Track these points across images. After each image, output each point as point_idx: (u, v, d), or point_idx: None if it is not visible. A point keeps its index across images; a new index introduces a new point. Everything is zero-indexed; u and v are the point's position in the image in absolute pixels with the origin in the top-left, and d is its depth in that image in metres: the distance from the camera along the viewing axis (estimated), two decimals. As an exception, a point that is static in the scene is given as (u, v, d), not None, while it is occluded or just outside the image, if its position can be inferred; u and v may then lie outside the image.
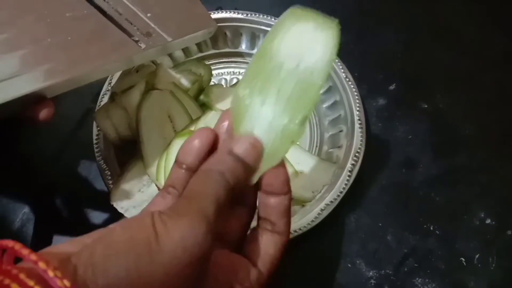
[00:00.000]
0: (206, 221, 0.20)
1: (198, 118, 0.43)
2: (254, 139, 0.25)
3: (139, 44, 0.35)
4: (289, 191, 0.26)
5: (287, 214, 0.26)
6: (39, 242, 0.43)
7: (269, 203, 0.26)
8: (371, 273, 0.41)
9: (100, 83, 0.47)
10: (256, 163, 0.25)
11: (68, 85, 0.30)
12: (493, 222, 0.44)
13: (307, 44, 0.26)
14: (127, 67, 0.41)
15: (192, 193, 0.22)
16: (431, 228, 0.43)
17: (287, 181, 0.26)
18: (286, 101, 0.26)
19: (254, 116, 0.25)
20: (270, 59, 0.26)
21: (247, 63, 0.53)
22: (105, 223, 0.44)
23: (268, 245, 0.26)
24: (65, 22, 0.32)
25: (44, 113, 0.29)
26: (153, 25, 0.37)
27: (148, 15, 0.37)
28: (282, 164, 0.26)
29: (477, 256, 0.42)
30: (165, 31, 0.37)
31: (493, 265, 0.42)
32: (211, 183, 0.23)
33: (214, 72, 0.52)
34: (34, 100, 0.29)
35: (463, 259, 0.42)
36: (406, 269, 0.42)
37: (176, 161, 0.27)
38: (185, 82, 0.47)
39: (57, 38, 0.31)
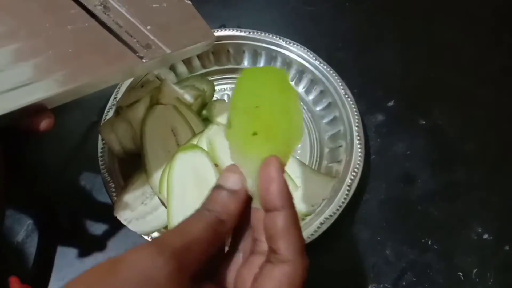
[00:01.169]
0: (168, 251, 0.19)
1: (201, 132, 0.44)
2: (231, 169, 0.24)
3: (139, 56, 0.36)
4: (286, 206, 0.22)
5: (290, 234, 0.21)
6: (43, 253, 0.43)
7: (265, 223, 0.22)
8: (369, 287, 0.42)
9: (106, 97, 0.48)
10: (240, 186, 0.23)
11: (69, 96, 0.31)
12: (491, 237, 0.44)
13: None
14: (127, 78, 0.41)
15: (180, 228, 0.22)
16: (430, 243, 0.44)
17: (281, 192, 0.22)
18: None
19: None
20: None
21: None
22: (108, 235, 0.44)
23: (265, 281, 0.21)
24: (66, 34, 0.32)
25: (44, 124, 0.30)
26: (152, 37, 0.37)
27: (148, 27, 0.38)
28: (267, 179, 0.22)
29: (475, 270, 0.42)
30: (164, 43, 0.38)
31: (491, 280, 0.42)
32: (196, 220, 0.22)
33: (216, 88, 0.53)
34: (34, 110, 0.29)
35: (461, 274, 0.42)
36: (404, 283, 0.42)
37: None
38: (188, 97, 0.48)
39: (58, 50, 0.31)
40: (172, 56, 0.39)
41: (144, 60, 0.36)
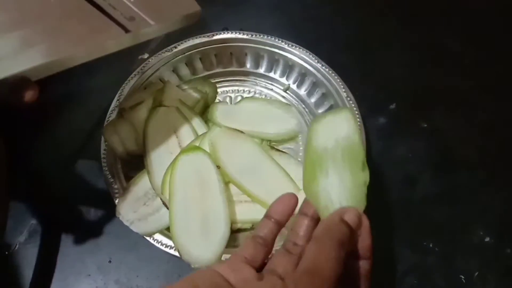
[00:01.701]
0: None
1: (203, 134, 0.44)
2: (357, 209, 0.30)
3: (123, 28, 0.36)
4: (371, 256, 0.29)
5: (369, 278, 0.29)
6: (45, 253, 0.44)
7: (353, 266, 0.29)
8: (371, 289, 0.42)
9: (109, 98, 0.48)
10: (358, 229, 0.29)
11: (53, 67, 0.31)
12: (492, 240, 0.44)
13: (335, 127, 0.34)
14: (111, 51, 0.41)
15: (314, 267, 0.25)
16: (431, 246, 0.44)
17: (371, 247, 0.29)
18: (341, 164, 0.32)
19: (328, 188, 0.31)
20: (315, 150, 0.33)
21: (251, 81, 0.55)
22: (110, 235, 0.45)
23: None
24: (51, 7, 0.33)
25: (29, 95, 0.30)
26: (136, 10, 0.38)
27: (132, 0, 0.38)
28: (368, 230, 0.29)
29: (476, 273, 0.42)
30: (148, 16, 0.38)
31: (492, 283, 0.42)
32: (331, 257, 0.25)
33: (219, 90, 0.53)
34: (19, 83, 0.30)
35: (462, 277, 0.42)
36: (406, 286, 0.42)
37: (265, 215, 0.31)
38: (191, 99, 0.48)
39: (42, 23, 0.32)
40: (156, 28, 0.39)
41: (128, 32, 0.36)
